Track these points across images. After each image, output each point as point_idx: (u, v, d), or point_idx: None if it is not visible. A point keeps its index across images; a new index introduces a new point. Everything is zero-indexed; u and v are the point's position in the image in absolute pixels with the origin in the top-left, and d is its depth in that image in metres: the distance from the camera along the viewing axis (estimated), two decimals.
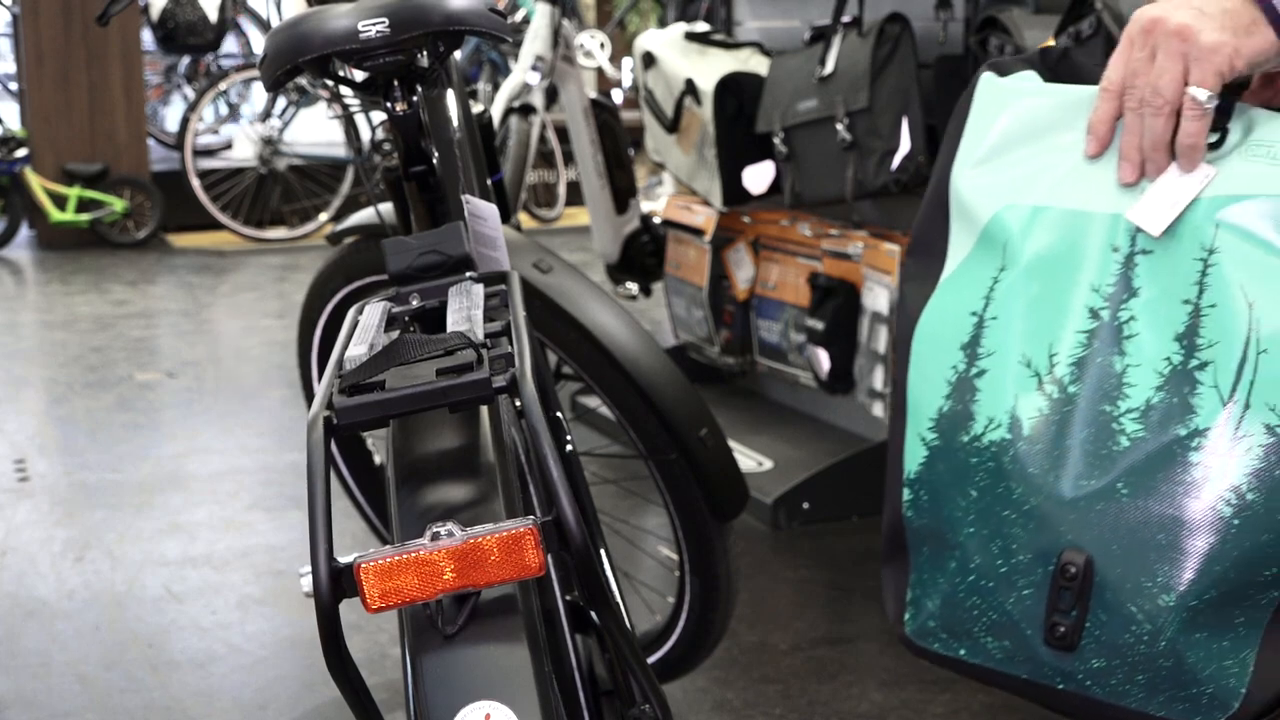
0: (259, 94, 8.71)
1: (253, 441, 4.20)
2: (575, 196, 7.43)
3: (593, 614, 1.30)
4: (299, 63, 1.48)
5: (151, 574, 3.23)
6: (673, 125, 3.95)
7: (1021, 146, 1.25)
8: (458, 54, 1.66)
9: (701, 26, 4.11)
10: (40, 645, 2.88)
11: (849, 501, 3.44)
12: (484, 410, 1.25)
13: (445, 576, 0.95)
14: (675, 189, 4.49)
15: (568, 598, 1.30)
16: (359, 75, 1.58)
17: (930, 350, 1.22)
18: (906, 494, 1.23)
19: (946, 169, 1.27)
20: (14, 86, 8.74)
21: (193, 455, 4.10)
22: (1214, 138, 1.17)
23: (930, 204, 1.29)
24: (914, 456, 1.22)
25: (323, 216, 7.57)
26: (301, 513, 3.56)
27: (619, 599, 1.22)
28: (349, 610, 0.96)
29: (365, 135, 7.45)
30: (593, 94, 4.62)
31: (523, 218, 6.25)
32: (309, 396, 2.96)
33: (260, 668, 2.77)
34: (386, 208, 2.39)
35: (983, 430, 1.18)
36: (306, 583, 0.96)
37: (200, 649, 2.85)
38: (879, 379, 3.37)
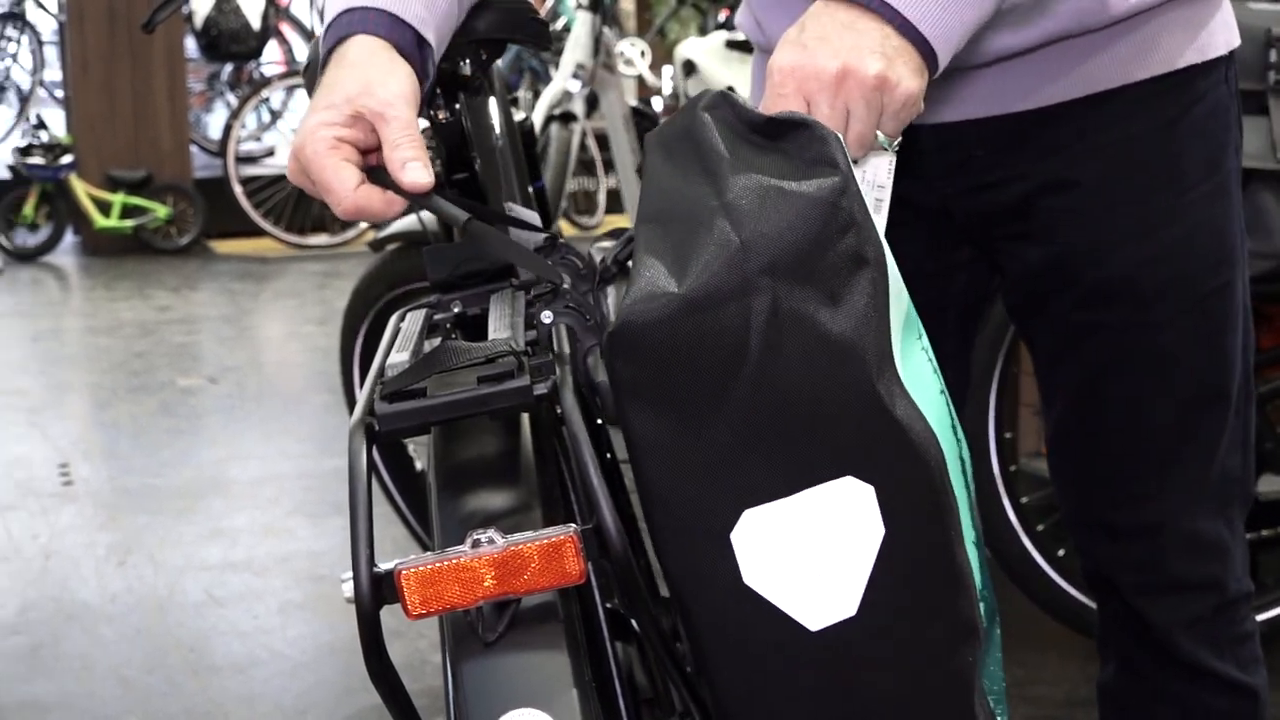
0: (302, 101, 8.75)
1: (294, 447, 4.22)
2: (615, 204, 7.43)
3: (633, 622, 1.29)
4: None
5: (193, 579, 3.24)
6: None
7: None
8: (499, 61, 1.66)
9: (742, 35, 4.11)
10: (83, 648, 2.90)
11: None
12: (525, 417, 1.25)
13: (486, 584, 0.95)
14: None
15: (608, 605, 1.29)
16: None
17: (948, 453, 1.03)
18: (983, 608, 1.08)
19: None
20: (60, 94, 8.82)
21: (234, 461, 4.12)
22: None
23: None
24: (974, 566, 1.07)
25: (363, 223, 7.60)
26: (342, 518, 3.58)
27: (660, 606, 1.21)
28: (388, 616, 0.96)
29: None
30: (633, 102, 4.63)
31: (563, 225, 6.27)
32: (350, 403, 2.97)
33: (301, 672, 2.79)
34: (428, 215, 2.40)
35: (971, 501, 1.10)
36: (347, 588, 0.96)
37: (241, 653, 2.87)
38: None
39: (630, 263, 1.08)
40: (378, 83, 1.13)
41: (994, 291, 1.51)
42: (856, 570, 0.97)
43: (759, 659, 0.98)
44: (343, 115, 1.12)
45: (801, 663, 0.98)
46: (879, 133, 1.09)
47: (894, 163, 1.12)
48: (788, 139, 1.02)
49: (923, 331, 1.09)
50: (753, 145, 1.03)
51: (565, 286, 1.14)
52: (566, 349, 1.04)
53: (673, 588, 1.00)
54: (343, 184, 1.10)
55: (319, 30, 1.32)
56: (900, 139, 1.11)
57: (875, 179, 1.11)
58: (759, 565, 0.96)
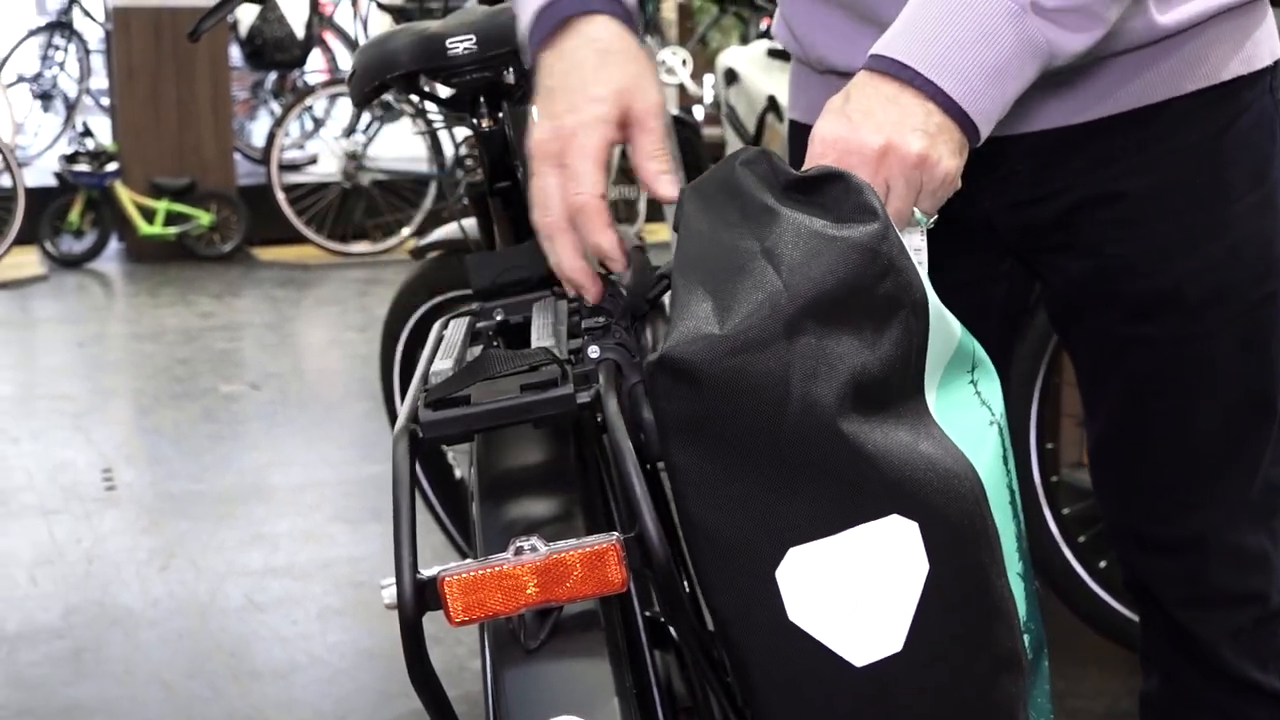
0: (344, 110, 8.80)
1: (334, 454, 4.24)
2: (655, 212, 7.42)
3: (672, 630, 1.29)
4: (387, 79, 1.49)
5: (234, 584, 3.26)
6: (754, 142, 3.95)
7: None
8: None
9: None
10: (125, 653, 2.91)
11: None
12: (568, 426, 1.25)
13: (528, 591, 0.95)
14: None
15: (647, 613, 1.29)
16: (445, 91, 1.59)
17: (993, 484, 1.04)
18: (1028, 639, 1.09)
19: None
20: (105, 102, 8.89)
21: (275, 467, 4.14)
22: None
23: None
24: (1019, 597, 1.07)
25: (405, 231, 7.62)
26: (381, 525, 3.59)
27: (702, 615, 1.21)
28: (425, 621, 0.96)
29: (449, 151, 7.45)
30: (674, 110, 4.63)
31: None
32: (390, 410, 2.98)
33: (340, 678, 2.80)
34: (470, 223, 2.41)
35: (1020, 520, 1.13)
36: (388, 595, 0.96)
37: (282, 659, 2.88)
38: None
39: (664, 299, 1.09)
40: (643, 84, 1.14)
41: (1034, 301, 1.51)
42: (902, 606, 0.97)
43: (803, 694, 0.98)
44: (614, 111, 1.13)
45: (846, 697, 0.98)
46: (915, 209, 1.10)
47: (925, 235, 1.13)
48: (824, 193, 1.03)
49: (978, 364, 1.09)
50: (790, 199, 1.04)
51: (615, 324, 1.14)
52: (611, 385, 1.04)
53: (717, 622, 1.00)
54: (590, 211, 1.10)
55: (362, 39, 1.33)
56: (936, 216, 1.11)
57: (911, 244, 1.12)
58: (804, 602, 0.96)
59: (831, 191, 1.02)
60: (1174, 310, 1.33)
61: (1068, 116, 1.31)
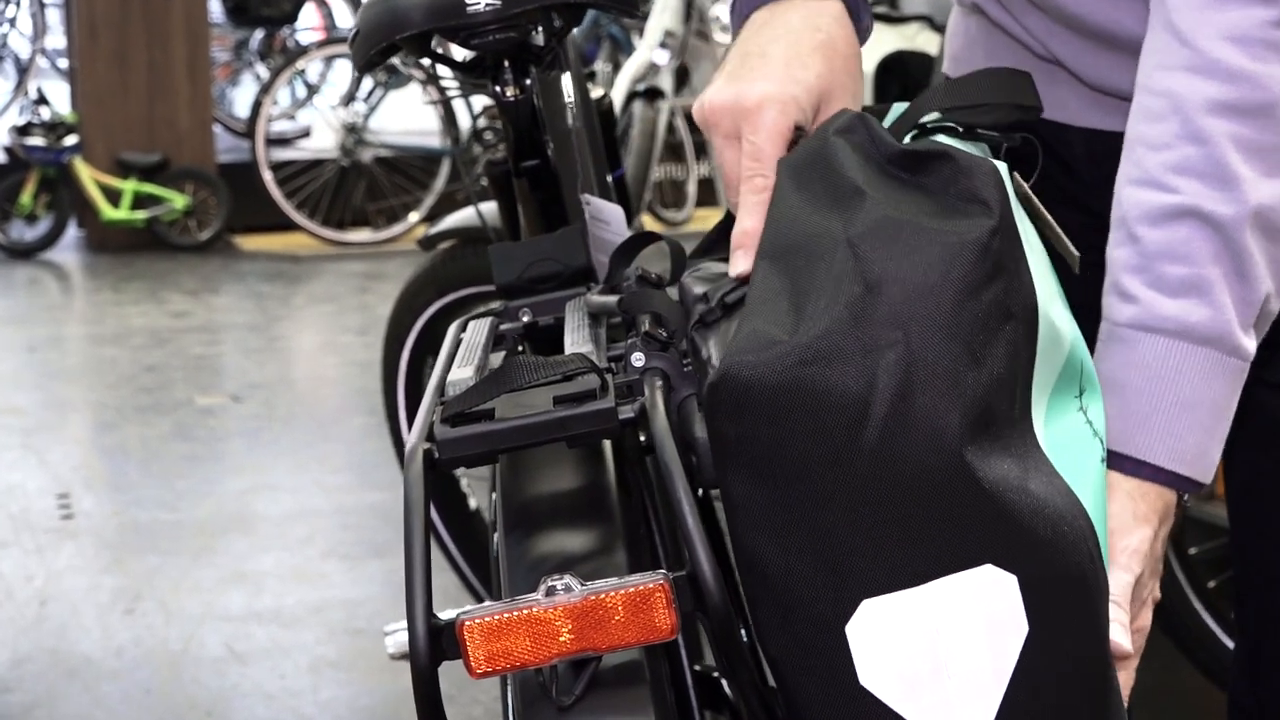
0: (342, 74, 8.85)
1: (329, 478, 4.26)
2: (708, 195, 7.43)
3: (726, 686, 1.30)
4: (396, 40, 1.50)
5: (211, 630, 3.28)
6: None
7: None
8: (575, 30, 1.67)
9: None
10: (83, 709, 2.93)
11: None
12: (607, 445, 1.26)
13: (562, 638, 0.95)
14: None
15: (697, 666, 1.30)
16: (463, 55, 1.60)
17: (1103, 531, 1.03)
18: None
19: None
20: (64, 64, 8.95)
21: (260, 493, 4.16)
22: None
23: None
24: None
25: (413, 217, 7.66)
26: (383, 562, 3.61)
27: (763, 669, 1.22)
28: (439, 674, 0.97)
29: (465, 123, 7.46)
30: None
31: (647, 220, 6.28)
32: (394, 426, 3.00)
33: None
34: (489, 208, 2.42)
35: None
36: (392, 642, 0.97)
37: (266, 718, 2.90)
38: None
39: (739, 302, 1.09)
40: (847, 82, 1.19)
41: None
42: (995, 674, 0.96)
43: None
44: (808, 104, 1.17)
45: None
46: None
47: None
48: (928, 173, 1.02)
49: (1086, 383, 1.08)
50: (889, 176, 1.03)
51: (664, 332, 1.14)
52: (659, 398, 1.04)
53: (778, 679, 0.99)
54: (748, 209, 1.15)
55: None
56: None
57: None
58: (879, 665, 0.95)
59: (940, 171, 1.01)
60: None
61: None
